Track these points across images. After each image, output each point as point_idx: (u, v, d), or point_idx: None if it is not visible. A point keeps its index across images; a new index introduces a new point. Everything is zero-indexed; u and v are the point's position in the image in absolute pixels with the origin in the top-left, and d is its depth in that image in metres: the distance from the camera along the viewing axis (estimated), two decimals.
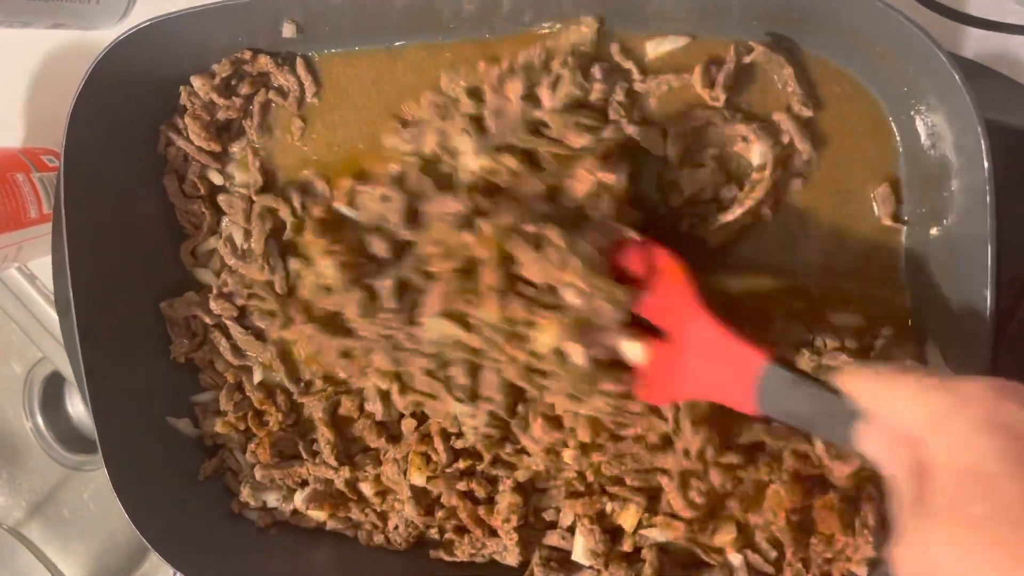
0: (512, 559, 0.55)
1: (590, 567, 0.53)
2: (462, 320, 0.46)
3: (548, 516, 0.56)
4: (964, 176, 0.44)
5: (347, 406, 0.58)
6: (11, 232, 0.60)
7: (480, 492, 0.55)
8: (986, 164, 0.42)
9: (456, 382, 0.49)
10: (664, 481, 0.51)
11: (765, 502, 0.49)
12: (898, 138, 0.49)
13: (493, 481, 0.56)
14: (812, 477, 0.49)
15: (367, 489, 0.59)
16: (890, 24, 0.43)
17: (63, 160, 0.55)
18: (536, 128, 0.49)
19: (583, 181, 0.46)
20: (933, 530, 0.31)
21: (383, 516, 0.59)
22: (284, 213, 0.58)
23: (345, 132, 0.57)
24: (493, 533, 0.56)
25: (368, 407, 0.58)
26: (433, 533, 0.58)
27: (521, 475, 0.55)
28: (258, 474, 0.60)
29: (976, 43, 0.52)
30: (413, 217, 0.48)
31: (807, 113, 0.49)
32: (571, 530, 0.55)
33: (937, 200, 0.47)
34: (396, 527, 0.59)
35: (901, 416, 0.35)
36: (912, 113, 0.47)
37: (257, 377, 0.61)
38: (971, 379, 0.34)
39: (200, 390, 0.63)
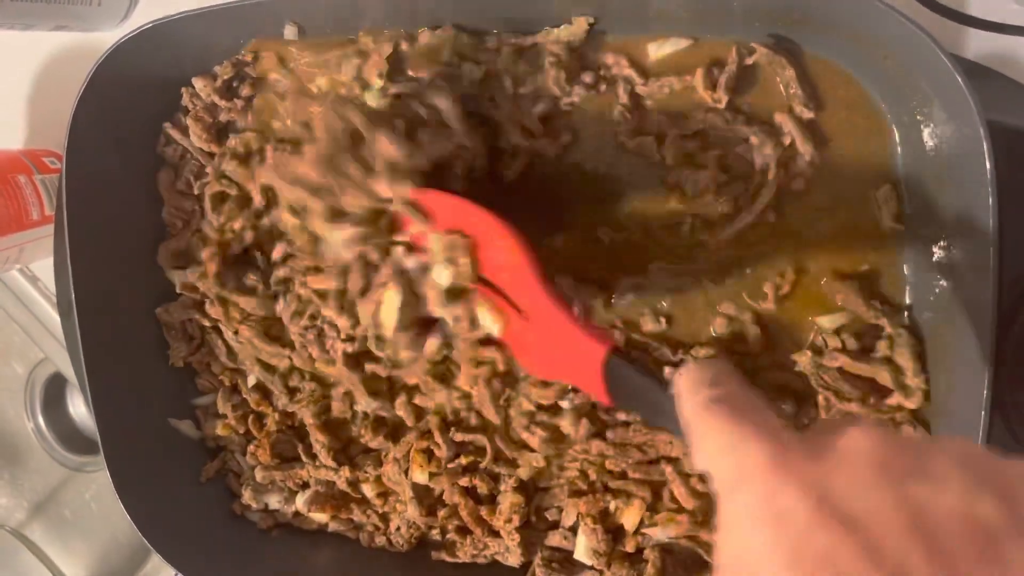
0: (514, 559, 0.55)
1: (592, 567, 0.54)
2: None
3: (550, 516, 0.56)
4: (966, 177, 0.44)
5: (338, 407, 0.58)
6: (13, 234, 0.60)
7: (483, 488, 0.55)
8: (988, 165, 0.42)
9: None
10: (668, 470, 0.51)
11: None
12: (899, 139, 0.49)
13: (496, 478, 0.56)
14: None
15: (368, 490, 0.59)
16: (891, 25, 0.43)
17: (65, 162, 0.55)
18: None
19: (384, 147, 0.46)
20: None
21: (385, 518, 0.59)
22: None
23: None
24: (495, 534, 0.56)
25: (358, 407, 0.58)
26: (435, 534, 0.58)
27: (524, 472, 0.55)
28: (259, 476, 0.60)
29: (977, 44, 0.52)
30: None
31: (809, 114, 0.49)
32: (573, 530, 0.55)
33: (939, 201, 0.47)
34: (398, 528, 0.59)
35: (694, 462, 0.31)
36: (914, 114, 0.47)
37: (251, 380, 0.61)
38: (758, 447, 0.28)
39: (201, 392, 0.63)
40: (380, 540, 0.59)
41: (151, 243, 0.60)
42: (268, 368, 0.59)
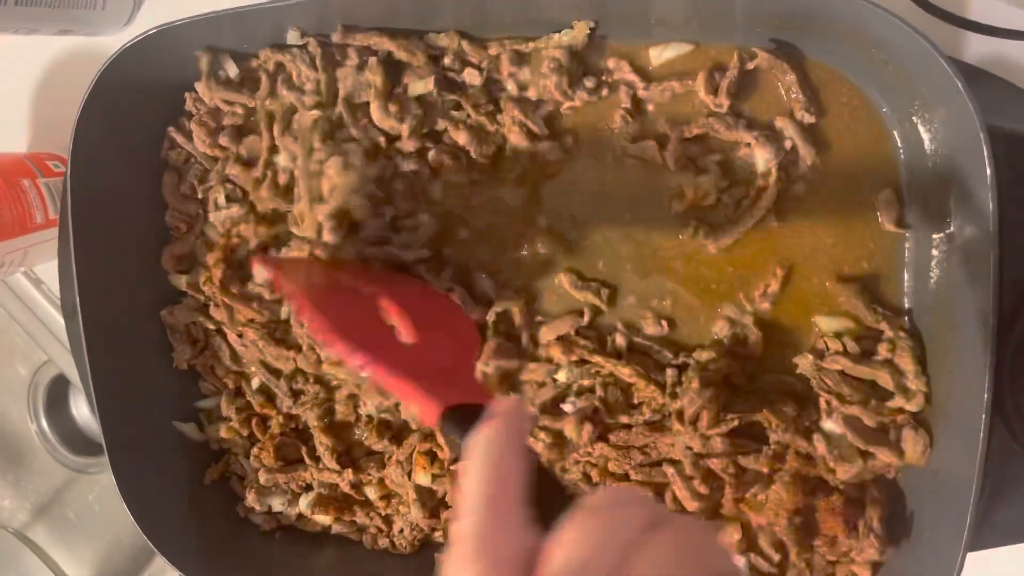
0: None
1: None
2: None
3: None
4: (966, 181, 0.45)
5: (342, 410, 0.59)
6: (17, 237, 0.61)
7: None
8: (988, 169, 0.42)
9: None
10: (670, 472, 0.51)
11: (767, 503, 0.49)
12: (900, 143, 0.49)
13: None
14: (814, 478, 0.50)
15: (371, 493, 0.59)
16: (891, 30, 0.43)
17: (69, 165, 0.55)
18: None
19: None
20: None
21: (388, 520, 0.59)
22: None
23: None
24: None
25: (362, 410, 0.58)
26: (438, 536, 0.58)
27: None
28: (263, 478, 0.60)
29: (977, 48, 0.52)
30: None
31: (810, 119, 0.49)
32: None
33: (939, 205, 0.47)
34: (401, 530, 0.59)
35: None
36: (914, 118, 0.47)
37: (256, 383, 0.61)
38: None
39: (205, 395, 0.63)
40: (383, 542, 0.59)
41: (155, 246, 0.61)
42: (272, 371, 0.59)
